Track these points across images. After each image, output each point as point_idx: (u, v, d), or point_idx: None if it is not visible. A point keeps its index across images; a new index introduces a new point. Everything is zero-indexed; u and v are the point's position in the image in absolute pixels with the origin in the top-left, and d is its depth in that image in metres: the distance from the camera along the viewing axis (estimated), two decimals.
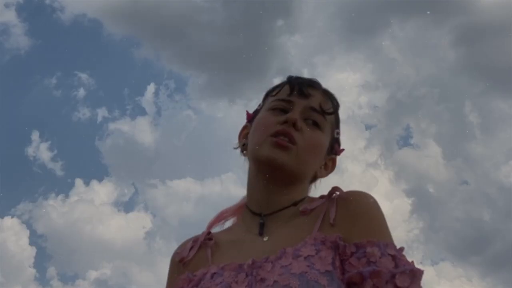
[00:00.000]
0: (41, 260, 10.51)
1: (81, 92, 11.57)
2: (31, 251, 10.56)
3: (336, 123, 1.31)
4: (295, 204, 1.22)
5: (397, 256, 1.09)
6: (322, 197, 1.23)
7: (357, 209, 1.14)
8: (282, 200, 1.22)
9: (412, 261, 1.11)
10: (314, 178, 1.30)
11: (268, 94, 1.33)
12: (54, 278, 10.02)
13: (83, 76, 11.61)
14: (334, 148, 1.31)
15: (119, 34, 12.24)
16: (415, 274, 1.08)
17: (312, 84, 1.29)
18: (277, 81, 1.34)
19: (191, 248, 1.26)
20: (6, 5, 11.70)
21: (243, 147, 1.32)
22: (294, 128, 1.21)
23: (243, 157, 1.32)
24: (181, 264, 1.24)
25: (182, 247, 1.29)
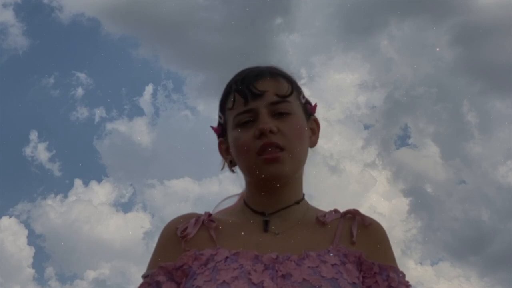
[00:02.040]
0: (40, 260, 10.51)
1: (79, 91, 11.56)
2: (30, 251, 10.56)
3: (297, 91, 1.29)
4: (297, 202, 1.25)
5: (409, 286, 1.20)
6: (335, 211, 1.27)
7: (378, 236, 1.24)
8: (285, 199, 1.24)
9: None
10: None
11: (223, 105, 1.30)
12: (53, 278, 10.01)
13: (81, 75, 11.60)
14: (309, 110, 1.31)
15: (118, 34, 12.24)
16: None
17: (258, 77, 1.25)
18: None
19: (194, 225, 1.24)
20: (4, 5, 11.69)
21: (231, 163, 1.30)
22: (272, 133, 1.19)
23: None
24: (181, 239, 1.22)
25: (183, 221, 1.26)
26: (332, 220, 1.24)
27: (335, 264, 1.14)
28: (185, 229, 1.23)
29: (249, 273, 1.11)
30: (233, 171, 1.31)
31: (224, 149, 1.32)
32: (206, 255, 1.17)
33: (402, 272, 1.20)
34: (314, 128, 1.31)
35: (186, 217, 1.27)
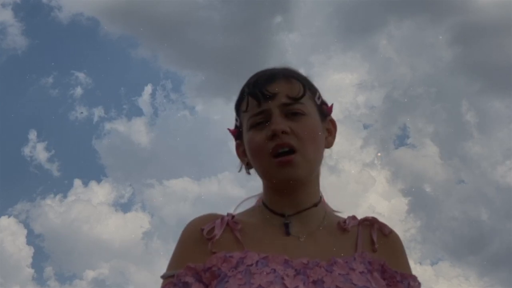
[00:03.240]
0: (39, 260, 10.50)
1: (78, 91, 11.55)
2: (29, 251, 10.55)
3: (312, 92, 1.29)
4: (315, 205, 1.25)
5: None
6: (353, 217, 1.29)
7: (397, 245, 1.27)
8: (304, 201, 1.24)
9: None
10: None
11: (238, 108, 1.30)
12: (52, 278, 10.01)
13: (80, 75, 11.59)
14: (324, 111, 1.30)
15: (117, 33, 12.24)
16: None
17: (271, 80, 1.25)
18: None
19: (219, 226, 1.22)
20: (3, 5, 11.67)
21: (248, 166, 1.30)
22: (284, 134, 1.19)
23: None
24: (207, 240, 1.20)
25: (207, 222, 1.23)
26: (352, 227, 1.26)
27: (363, 271, 1.15)
28: (212, 229, 1.21)
29: (283, 278, 1.10)
30: (249, 173, 1.31)
31: (241, 152, 1.31)
32: (235, 258, 1.15)
33: (419, 282, 1.24)
34: (330, 129, 1.31)
35: (209, 218, 1.25)
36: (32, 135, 11.14)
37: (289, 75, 1.27)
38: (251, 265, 1.13)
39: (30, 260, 10.41)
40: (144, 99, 11.83)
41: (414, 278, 1.23)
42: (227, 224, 1.22)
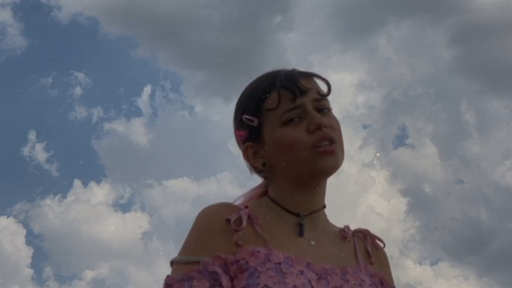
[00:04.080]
0: (38, 260, 10.50)
1: (78, 91, 11.55)
2: (28, 251, 10.55)
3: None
4: (324, 206, 1.28)
5: None
6: (348, 228, 1.32)
7: (386, 258, 1.33)
8: (318, 201, 1.26)
9: None
10: None
11: (259, 109, 1.25)
12: (51, 278, 10.01)
13: (80, 75, 11.59)
14: None
15: (116, 33, 12.23)
16: None
17: (302, 75, 1.27)
18: None
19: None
20: (2, 5, 11.68)
21: (264, 166, 1.26)
22: (326, 128, 1.21)
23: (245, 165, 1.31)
24: (234, 231, 1.15)
25: (230, 211, 1.19)
26: (350, 236, 1.30)
27: (371, 284, 1.21)
28: (238, 220, 1.17)
29: (310, 281, 1.11)
30: (264, 176, 1.29)
31: (251, 154, 1.27)
32: (262, 253, 1.13)
33: None
34: None
35: (230, 207, 1.21)
36: (32, 135, 11.15)
37: (309, 74, 1.29)
38: (279, 263, 1.12)
39: (30, 260, 10.41)
40: (143, 100, 11.83)
41: None
42: (249, 216, 1.19)
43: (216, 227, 1.16)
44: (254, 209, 1.22)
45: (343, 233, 1.28)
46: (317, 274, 1.14)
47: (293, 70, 1.28)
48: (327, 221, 1.29)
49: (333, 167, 1.22)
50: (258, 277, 1.09)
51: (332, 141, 1.21)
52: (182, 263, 1.14)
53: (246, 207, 1.21)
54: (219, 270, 1.11)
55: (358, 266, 1.23)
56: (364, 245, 1.29)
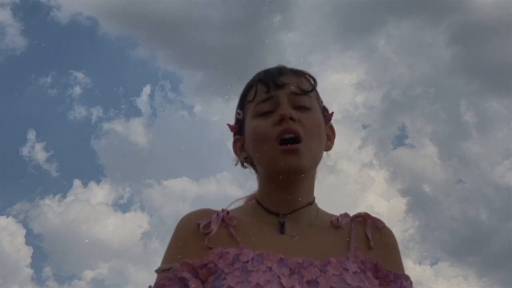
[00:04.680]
0: (38, 260, 10.49)
1: (77, 90, 11.54)
2: (28, 251, 10.54)
3: (317, 94, 1.30)
4: (309, 204, 1.25)
5: None
6: (346, 215, 1.27)
7: (389, 241, 1.25)
8: (297, 200, 1.23)
9: None
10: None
11: (243, 101, 1.30)
12: (51, 278, 10.00)
13: (79, 75, 11.58)
14: (326, 116, 1.31)
15: (115, 33, 12.22)
16: None
17: (282, 72, 1.26)
18: None
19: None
20: (2, 5, 11.66)
21: (246, 159, 1.29)
22: (292, 121, 1.19)
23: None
24: (204, 235, 1.18)
25: (203, 216, 1.22)
26: (344, 224, 1.25)
27: (356, 271, 1.14)
28: (208, 224, 1.20)
29: (279, 277, 1.10)
30: (245, 167, 1.31)
31: (239, 147, 1.30)
32: (231, 254, 1.14)
33: (411, 281, 1.22)
34: (329, 134, 1.31)
35: (205, 213, 1.23)
36: (31, 135, 11.14)
37: (299, 72, 1.29)
38: (247, 262, 1.12)
39: (29, 260, 10.40)
40: (142, 99, 11.83)
41: (407, 278, 1.21)
42: (223, 219, 1.21)
43: (188, 233, 1.20)
44: (237, 212, 1.25)
45: (336, 222, 1.24)
46: (290, 269, 1.11)
47: (279, 67, 1.29)
48: (318, 215, 1.25)
49: (295, 167, 1.18)
50: (224, 278, 1.10)
51: (297, 137, 1.18)
52: (159, 271, 1.18)
53: (223, 210, 1.23)
54: (187, 275, 1.14)
55: (345, 255, 1.17)
56: (364, 230, 1.24)
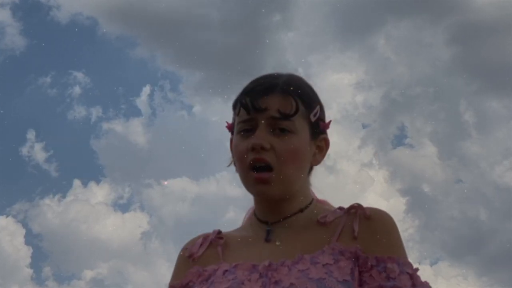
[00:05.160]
0: (38, 260, 10.49)
1: (76, 90, 11.53)
2: (27, 251, 10.54)
3: (308, 108, 1.26)
4: (301, 210, 1.25)
5: (414, 275, 1.15)
6: (340, 208, 1.25)
7: (380, 227, 1.20)
8: (286, 210, 1.24)
9: (426, 282, 1.17)
10: (310, 168, 1.30)
11: (234, 108, 1.30)
12: (50, 278, 9.99)
13: (79, 74, 11.58)
14: (318, 128, 1.28)
15: (115, 33, 12.23)
16: None
17: (265, 91, 1.23)
18: None
19: (201, 244, 1.29)
20: (1, 5, 11.64)
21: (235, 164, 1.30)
22: (264, 150, 1.19)
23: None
24: (190, 260, 1.27)
25: (191, 243, 1.31)
26: (334, 219, 1.23)
27: (327, 263, 1.13)
28: (195, 248, 1.29)
29: (243, 283, 1.14)
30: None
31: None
32: (209, 271, 1.21)
33: (405, 261, 1.16)
34: (321, 147, 1.29)
35: (194, 239, 1.32)
36: (31, 134, 11.12)
37: (286, 90, 1.25)
38: (219, 275, 1.18)
39: (29, 260, 10.40)
40: (142, 100, 11.82)
41: (394, 259, 1.14)
42: (211, 241, 1.29)
43: (178, 262, 1.31)
44: (240, 227, 1.33)
45: (321, 220, 1.22)
46: (260, 274, 1.14)
47: (269, 83, 1.26)
48: (314, 215, 1.24)
49: (267, 196, 1.22)
50: None
51: (268, 166, 1.20)
52: None
53: (215, 231, 1.30)
54: None
55: (322, 249, 1.16)
56: (352, 221, 1.21)
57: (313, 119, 1.26)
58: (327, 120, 1.32)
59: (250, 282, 1.13)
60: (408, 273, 1.14)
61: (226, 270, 1.18)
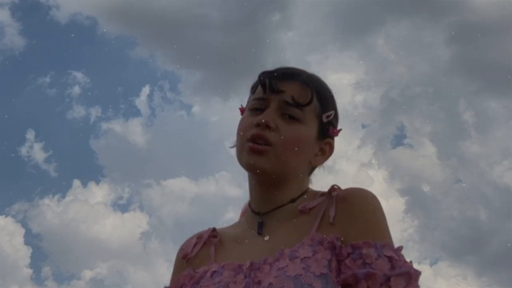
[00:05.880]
0: (37, 259, 10.49)
1: (76, 90, 11.54)
2: (27, 251, 10.53)
3: (323, 107, 1.26)
4: (292, 201, 1.22)
5: (394, 257, 1.09)
6: (322, 194, 1.22)
7: (355, 208, 1.14)
8: (278, 199, 1.22)
9: (410, 262, 1.10)
10: (312, 168, 1.29)
11: (251, 89, 1.32)
12: (50, 278, 9.99)
13: (78, 74, 11.58)
14: (328, 131, 1.27)
15: (115, 33, 12.22)
16: (411, 276, 1.08)
17: (286, 77, 1.25)
18: None
19: (195, 244, 1.28)
20: (0, 5, 11.64)
21: None
22: (268, 129, 1.19)
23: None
24: (184, 261, 1.27)
25: (186, 243, 1.30)
26: (316, 206, 1.19)
27: (305, 257, 1.09)
28: (190, 249, 1.28)
29: (228, 286, 1.13)
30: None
31: None
32: (200, 273, 1.20)
33: (384, 243, 1.09)
34: (325, 150, 1.28)
35: (190, 239, 1.31)
36: (30, 134, 11.13)
37: (306, 82, 1.25)
38: (207, 277, 1.18)
39: (28, 260, 10.40)
40: (141, 100, 11.82)
41: (370, 244, 1.08)
42: (205, 240, 1.28)
43: (175, 263, 1.31)
44: (229, 226, 1.31)
45: (302, 208, 1.19)
46: (245, 275, 1.13)
47: (291, 70, 1.28)
48: (301, 209, 1.20)
49: (257, 168, 1.19)
50: None
51: (267, 142, 1.19)
52: None
53: (209, 229, 1.29)
54: None
55: (302, 240, 1.12)
56: (328, 206, 1.16)
57: (324, 119, 1.26)
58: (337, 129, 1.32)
59: (236, 284, 1.12)
60: (387, 256, 1.08)
61: (215, 271, 1.17)
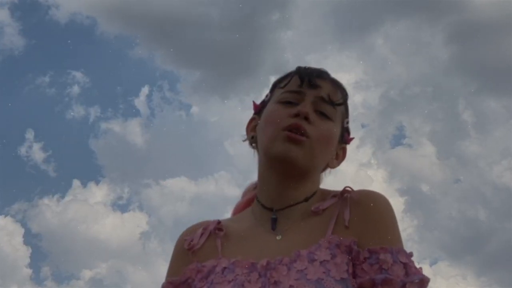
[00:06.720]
0: (37, 259, 10.48)
1: (75, 90, 11.54)
2: (26, 251, 10.53)
3: (346, 113, 1.30)
4: (306, 199, 1.21)
5: (408, 264, 1.10)
6: (334, 195, 1.21)
7: (370, 212, 1.15)
8: (295, 195, 1.21)
9: (421, 268, 1.12)
10: (324, 168, 1.29)
11: (276, 85, 1.30)
12: (49, 278, 9.99)
13: (77, 74, 11.58)
14: (344, 137, 1.30)
15: (114, 33, 12.21)
16: (423, 283, 1.10)
17: (321, 75, 1.27)
18: (272, 78, 1.33)
19: (201, 235, 1.24)
20: (0, 4, 11.64)
21: (252, 139, 1.30)
22: (306, 121, 1.19)
23: (252, 150, 1.31)
24: (189, 252, 1.23)
25: (191, 233, 1.26)
26: (329, 207, 1.19)
27: (324, 260, 1.09)
28: (192, 240, 1.24)
29: (243, 285, 1.10)
30: (253, 147, 1.31)
31: (252, 126, 1.31)
32: (208, 267, 1.17)
33: (399, 249, 1.11)
34: (339, 154, 1.29)
35: (196, 227, 1.27)
36: (29, 134, 11.13)
37: (336, 83, 1.28)
38: (217, 273, 1.15)
39: (28, 260, 10.40)
40: (141, 100, 11.82)
41: (387, 250, 1.10)
42: (211, 232, 1.24)
43: (176, 251, 1.27)
44: (233, 219, 1.29)
45: (314, 209, 1.18)
46: (259, 273, 1.11)
47: (322, 70, 1.29)
48: (314, 204, 1.21)
49: (290, 157, 1.16)
50: None
51: (304, 134, 1.18)
52: None
53: (215, 221, 1.26)
54: None
55: (318, 242, 1.11)
56: (342, 208, 1.17)
57: (345, 124, 1.29)
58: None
59: (250, 283, 1.10)
60: (402, 262, 1.09)
61: (225, 268, 1.14)
